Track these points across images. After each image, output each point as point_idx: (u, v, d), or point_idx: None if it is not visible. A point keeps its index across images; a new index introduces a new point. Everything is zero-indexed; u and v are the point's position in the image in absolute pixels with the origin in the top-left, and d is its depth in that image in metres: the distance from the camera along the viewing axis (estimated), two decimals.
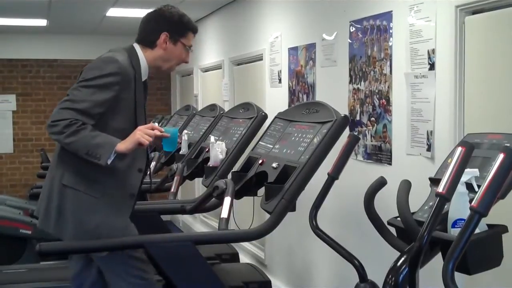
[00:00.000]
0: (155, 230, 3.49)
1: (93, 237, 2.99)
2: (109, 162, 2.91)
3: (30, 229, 5.62)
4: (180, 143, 4.82)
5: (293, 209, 3.11)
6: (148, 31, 3.20)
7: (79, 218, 3.01)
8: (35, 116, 10.31)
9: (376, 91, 4.00)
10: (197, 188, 7.89)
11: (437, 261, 2.41)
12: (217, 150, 3.99)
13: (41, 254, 2.83)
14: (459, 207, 2.33)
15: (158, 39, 3.16)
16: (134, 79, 3.08)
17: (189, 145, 4.86)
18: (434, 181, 2.64)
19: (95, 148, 2.89)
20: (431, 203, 2.54)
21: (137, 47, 3.20)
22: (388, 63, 3.87)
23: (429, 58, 3.45)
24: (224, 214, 3.10)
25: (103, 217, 3.04)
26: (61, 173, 3.05)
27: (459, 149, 2.23)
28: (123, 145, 2.94)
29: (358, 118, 4.22)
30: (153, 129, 3.01)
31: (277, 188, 3.11)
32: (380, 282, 2.65)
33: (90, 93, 2.93)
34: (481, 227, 2.25)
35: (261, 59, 6.11)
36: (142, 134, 2.95)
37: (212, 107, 5.34)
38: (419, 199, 2.69)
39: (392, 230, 2.77)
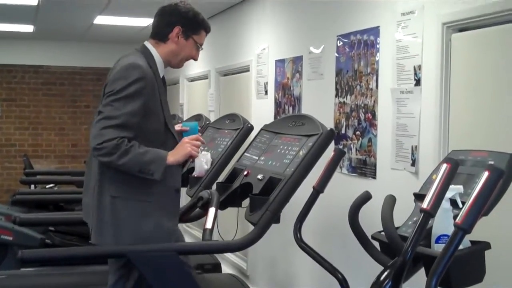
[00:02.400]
0: None
1: (150, 242, 3.00)
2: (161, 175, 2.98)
3: (11, 235, 5.57)
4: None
5: (277, 221, 3.11)
6: (162, 25, 3.19)
7: (135, 225, 3.02)
8: (19, 122, 10.28)
9: (362, 105, 4.02)
10: (182, 198, 7.86)
11: (420, 276, 2.42)
12: (202, 160, 3.97)
13: (23, 261, 2.80)
14: (443, 223, 2.35)
15: (171, 33, 3.16)
16: (155, 79, 3.08)
17: None
18: (419, 197, 2.65)
19: (147, 165, 2.94)
20: (415, 219, 2.55)
21: (148, 44, 3.19)
22: (375, 77, 3.89)
23: (415, 74, 3.47)
24: (208, 224, 3.08)
25: (157, 220, 3.06)
26: (108, 186, 3.02)
27: (444, 165, 2.25)
28: (172, 158, 3.04)
29: (343, 131, 4.24)
30: (197, 140, 3.18)
31: (262, 199, 3.10)
32: None
33: (123, 105, 2.90)
34: (464, 244, 2.27)
35: (248, 71, 6.12)
36: (192, 146, 3.10)
37: (198, 117, 5.33)
38: (403, 214, 2.70)
39: (376, 244, 2.78)
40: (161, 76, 3.19)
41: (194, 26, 3.20)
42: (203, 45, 3.30)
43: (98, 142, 2.86)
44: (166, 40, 3.17)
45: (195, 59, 3.34)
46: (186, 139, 3.15)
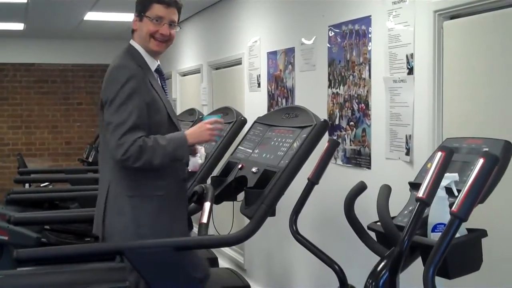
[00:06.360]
0: None
1: (170, 236, 3.02)
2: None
3: (7, 235, 5.56)
4: None
5: (273, 214, 3.10)
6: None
7: (154, 221, 3.04)
8: (11, 121, 10.24)
9: (355, 95, 4.01)
10: None
11: (417, 265, 2.42)
12: (196, 154, 3.97)
13: (19, 261, 2.79)
14: (439, 212, 2.34)
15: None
16: (145, 73, 3.07)
17: None
18: (414, 186, 2.64)
19: (175, 153, 2.98)
20: (411, 208, 2.55)
21: (132, 41, 3.20)
22: (367, 67, 3.88)
23: (408, 62, 3.46)
24: (204, 219, 3.08)
25: (173, 213, 3.10)
26: (122, 187, 3.04)
27: (439, 153, 2.24)
28: (193, 141, 3.07)
29: (337, 122, 4.23)
30: (217, 122, 3.15)
31: (257, 193, 3.09)
32: (360, 286, 2.65)
33: (126, 107, 2.92)
34: (461, 232, 2.26)
35: (240, 63, 6.10)
36: (213, 132, 3.09)
37: (191, 112, 5.31)
38: (398, 203, 2.69)
39: (372, 234, 2.77)
40: (154, 68, 3.18)
41: (143, 5, 3.16)
42: (163, 19, 3.12)
43: (122, 152, 2.87)
44: (133, 30, 3.20)
45: (163, 34, 3.12)
46: (207, 125, 3.10)
